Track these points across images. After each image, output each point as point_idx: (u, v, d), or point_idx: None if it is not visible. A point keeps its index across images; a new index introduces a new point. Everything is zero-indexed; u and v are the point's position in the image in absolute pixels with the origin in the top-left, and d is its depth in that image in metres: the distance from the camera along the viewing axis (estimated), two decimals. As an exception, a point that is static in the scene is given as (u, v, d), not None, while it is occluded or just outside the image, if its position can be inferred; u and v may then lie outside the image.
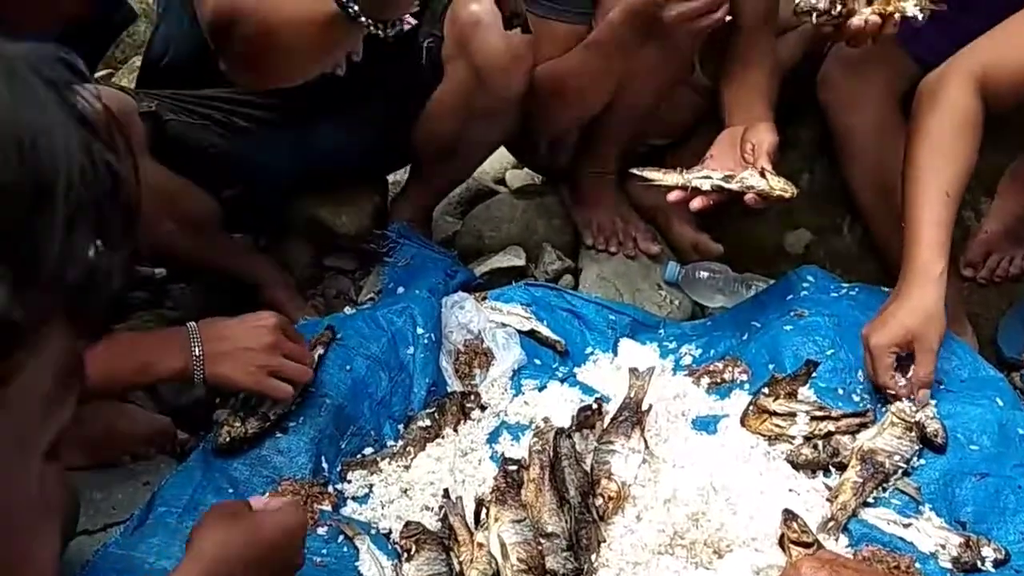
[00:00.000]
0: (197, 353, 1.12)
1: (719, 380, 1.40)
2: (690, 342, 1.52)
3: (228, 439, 1.16)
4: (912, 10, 1.24)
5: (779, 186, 1.33)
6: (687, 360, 1.48)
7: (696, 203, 1.34)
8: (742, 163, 1.39)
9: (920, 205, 1.25)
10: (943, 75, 1.30)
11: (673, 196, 1.36)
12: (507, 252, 1.73)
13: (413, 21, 1.05)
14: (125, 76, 2.13)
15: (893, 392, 1.20)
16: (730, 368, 1.41)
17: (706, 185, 1.33)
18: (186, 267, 1.53)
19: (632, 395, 1.18)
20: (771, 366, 1.36)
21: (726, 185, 1.33)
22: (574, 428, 1.13)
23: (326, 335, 1.32)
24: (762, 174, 1.33)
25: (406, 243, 1.64)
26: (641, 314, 1.60)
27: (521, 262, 1.70)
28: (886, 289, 1.52)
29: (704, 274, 1.70)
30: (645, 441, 1.11)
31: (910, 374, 1.21)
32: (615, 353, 1.49)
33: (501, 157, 2.18)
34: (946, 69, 1.31)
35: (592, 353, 1.50)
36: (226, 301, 1.55)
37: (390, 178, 1.86)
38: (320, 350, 1.28)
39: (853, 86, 1.60)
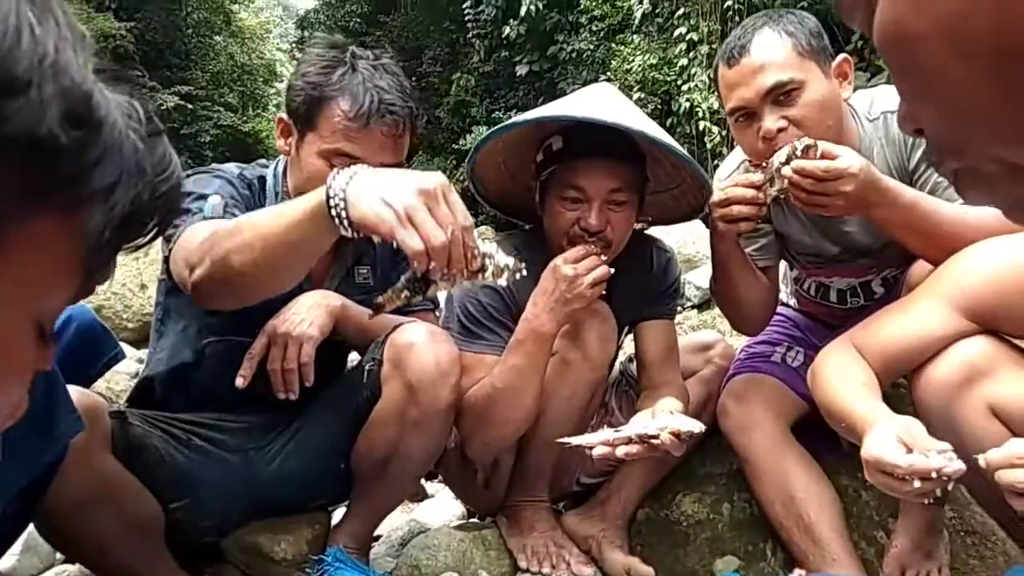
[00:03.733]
0: None
1: None
2: (623, 655, 1.50)
3: None
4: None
5: (688, 423, 1.48)
6: (619, 671, 1.45)
7: (621, 451, 1.46)
8: None
9: (846, 405, 1.39)
10: (822, 352, 1.54)
11: (597, 451, 1.48)
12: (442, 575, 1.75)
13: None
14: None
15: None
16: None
17: (626, 432, 1.47)
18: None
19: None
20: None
21: (642, 431, 1.46)
22: None
23: None
24: (671, 414, 1.49)
25: (341, 567, 1.67)
26: (574, 631, 1.59)
27: (455, 583, 1.72)
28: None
29: (637, 595, 1.72)
30: None
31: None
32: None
33: (446, 511, 2.29)
34: (824, 350, 1.55)
35: (524, 670, 1.47)
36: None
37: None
38: None
39: (745, 412, 1.83)
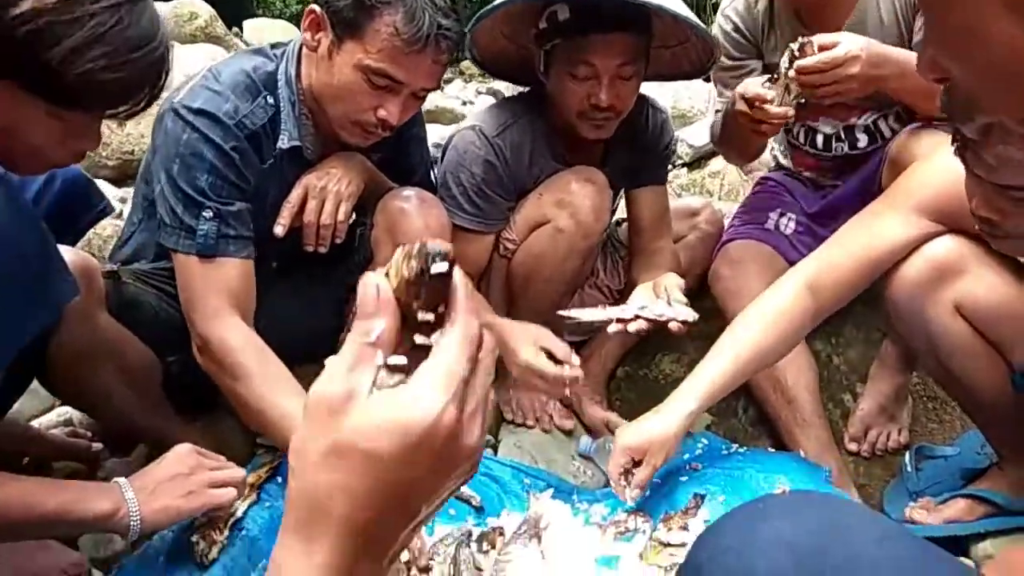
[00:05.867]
0: (130, 496, 1.17)
1: (624, 529, 1.47)
2: (600, 503, 1.61)
3: (219, 552, 1.25)
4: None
5: (687, 314, 1.55)
6: (596, 518, 1.55)
7: (633, 328, 1.53)
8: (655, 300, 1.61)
9: (708, 359, 1.47)
10: (785, 275, 1.56)
11: (612, 328, 1.54)
12: (431, 427, 1.84)
13: None
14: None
15: (616, 484, 1.41)
16: (634, 519, 1.49)
17: (628, 314, 1.53)
18: (121, 424, 1.61)
19: (531, 513, 1.26)
20: (669, 511, 1.46)
21: (642, 314, 1.53)
22: (476, 542, 1.20)
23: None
24: (668, 303, 1.54)
25: (335, 415, 1.75)
26: (555, 479, 1.69)
27: (444, 434, 1.82)
28: (771, 450, 1.68)
29: (615, 447, 1.82)
30: (542, 553, 1.18)
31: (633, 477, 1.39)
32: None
33: (434, 359, 2.37)
34: (789, 271, 1.57)
35: (507, 514, 1.57)
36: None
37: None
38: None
39: (738, 279, 1.87)
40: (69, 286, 1.20)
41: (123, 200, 3.70)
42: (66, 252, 1.31)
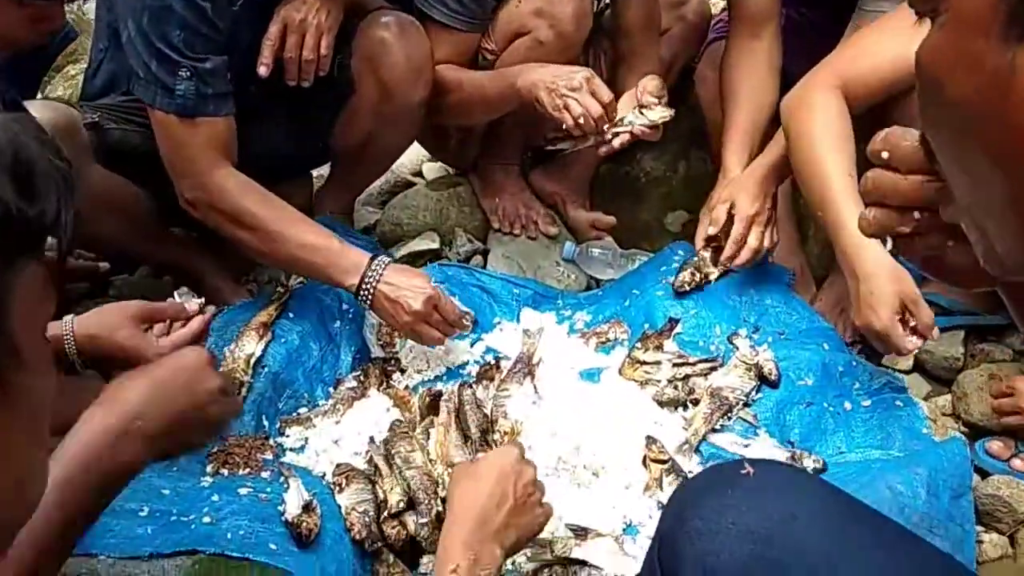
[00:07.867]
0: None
1: (604, 340, 1.64)
2: (583, 309, 1.76)
3: (246, 391, 1.39)
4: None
5: (658, 116, 1.57)
6: (580, 325, 1.71)
7: (617, 142, 1.56)
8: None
9: (833, 191, 1.41)
10: (808, 87, 1.50)
11: (604, 150, 1.58)
12: (423, 237, 1.93)
13: None
14: (60, 83, 2.25)
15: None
16: (614, 329, 1.65)
17: (608, 135, 1.55)
18: (129, 259, 1.69)
19: (525, 351, 1.41)
20: (646, 325, 1.61)
21: (620, 129, 1.56)
22: (475, 380, 1.36)
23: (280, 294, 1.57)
24: (641, 111, 1.56)
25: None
26: (541, 287, 1.82)
27: (436, 245, 1.91)
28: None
29: (596, 251, 1.94)
30: (535, 387, 1.34)
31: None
32: (519, 321, 1.72)
33: (417, 152, 2.38)
34: (808, 82, 1.51)
35: (499, 323, 1.72)
36: (166, 290, 1.72)
37: (314, 174, 2.05)
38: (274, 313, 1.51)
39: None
40: None
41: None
42: (46, 109, 1.30)
